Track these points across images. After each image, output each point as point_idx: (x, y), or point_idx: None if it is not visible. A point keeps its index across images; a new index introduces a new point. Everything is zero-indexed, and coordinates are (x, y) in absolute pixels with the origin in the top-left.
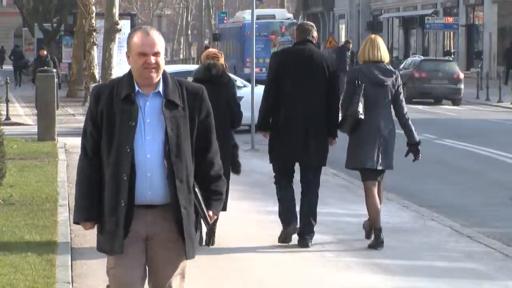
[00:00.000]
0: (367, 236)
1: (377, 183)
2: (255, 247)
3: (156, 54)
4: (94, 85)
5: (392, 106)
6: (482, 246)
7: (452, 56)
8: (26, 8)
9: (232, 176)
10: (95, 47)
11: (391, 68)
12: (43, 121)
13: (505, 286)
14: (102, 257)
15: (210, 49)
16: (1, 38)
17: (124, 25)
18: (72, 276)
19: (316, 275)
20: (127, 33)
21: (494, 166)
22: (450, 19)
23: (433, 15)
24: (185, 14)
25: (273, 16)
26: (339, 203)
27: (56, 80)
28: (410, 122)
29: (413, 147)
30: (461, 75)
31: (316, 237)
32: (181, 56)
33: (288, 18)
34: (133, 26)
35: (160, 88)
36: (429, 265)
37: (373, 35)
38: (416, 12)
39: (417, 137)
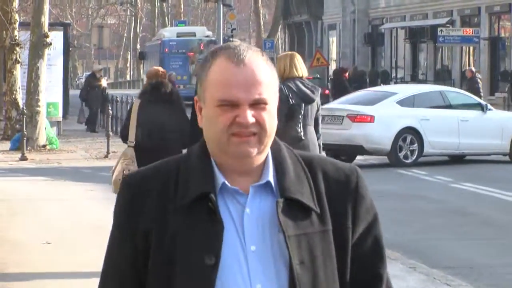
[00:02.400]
0: None
1: None
2: None
3: (258, 104)
4: (128, 174)
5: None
6: None
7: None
8: None
9: None
10: (18, 65)
11: (314, 85)
12: None
13: None
14: None
15: (156, 67)
16: None
17: (56, 37)
18: None
19: None
20: (59, 48)
21: None
22: (470, 31)
23: (448, 25)
24: (133, 24)
25: (194, 34)
26: None
27: None
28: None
29: None
30: (327, 91)
31: None
32: (128, 77)
33: (207, 36)
34: (67, 39)
35: (270, 176)
36: None
37: (290, 52)
38: (427, 22)
39: None
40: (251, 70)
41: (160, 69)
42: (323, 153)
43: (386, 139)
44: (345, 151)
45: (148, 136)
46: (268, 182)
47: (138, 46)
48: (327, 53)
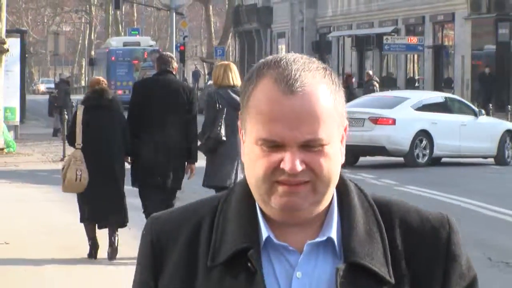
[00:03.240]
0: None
1: None
2: None
3: (312, 145)
4: (152, 216)
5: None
6: None
7: (417, 83)
8: None
9: None
10: None
11: None
12: None
13: None
14: None
15: (97, 76)
16: None
17: (13, 44)
18: None
19: None
20: (16, 54)
21: (468, 218)
22: (414, 39)
23: (393, 34)
24: (87, 31)
25: (138, 43)
26: None
27: None
28: None
29: None
30: None
31: None
32: (83, 83)
33: (151, 45)
34: (23, 46)
35: (333, 231)
36: None
37: (226, 62)
38: (373, 30)
39: None
40: (304, 101)
41: (101, 78)
42: None
43: (406, 140)
44: (366, 152)
45: (93, 139)
46: (329, 239)
47: (93, 53)
48: None
